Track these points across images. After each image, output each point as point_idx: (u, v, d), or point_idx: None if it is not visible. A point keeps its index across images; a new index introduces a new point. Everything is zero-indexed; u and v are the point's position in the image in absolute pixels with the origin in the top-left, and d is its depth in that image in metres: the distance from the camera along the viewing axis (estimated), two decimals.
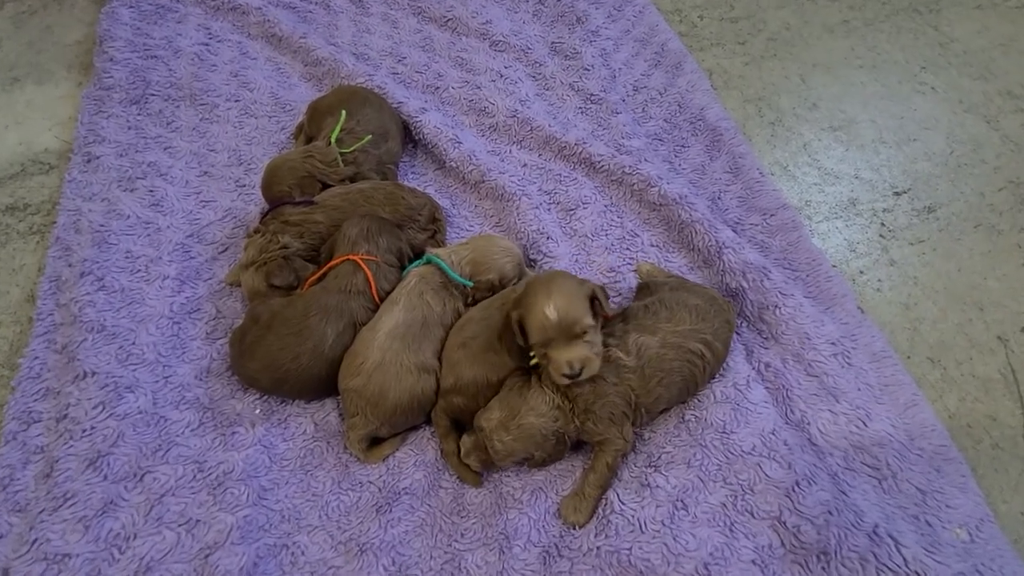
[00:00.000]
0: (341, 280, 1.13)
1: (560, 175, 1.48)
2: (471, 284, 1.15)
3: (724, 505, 0.98)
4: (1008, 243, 1.40)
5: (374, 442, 1.10)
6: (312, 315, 1.10)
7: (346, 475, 1.08)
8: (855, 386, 1.13)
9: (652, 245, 1.36)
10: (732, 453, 1.02)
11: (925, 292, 1.34)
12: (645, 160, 1.47)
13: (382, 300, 1.14)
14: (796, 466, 1.00)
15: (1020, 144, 1.60)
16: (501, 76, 1.71)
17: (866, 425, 1.09)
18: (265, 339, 1.10)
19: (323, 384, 1.11)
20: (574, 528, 0.99)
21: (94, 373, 1.13)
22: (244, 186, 1.50)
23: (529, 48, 1.79)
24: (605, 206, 1.43)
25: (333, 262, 1.16)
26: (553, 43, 1.83)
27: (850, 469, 1.05)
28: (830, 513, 0.95)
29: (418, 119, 1.54)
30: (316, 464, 1.09)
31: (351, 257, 1.15)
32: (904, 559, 0.91)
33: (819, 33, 1.92)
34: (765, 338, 1.21)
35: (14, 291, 1.39)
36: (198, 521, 1.00)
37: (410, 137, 1.57)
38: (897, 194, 1.54)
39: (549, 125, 1.55)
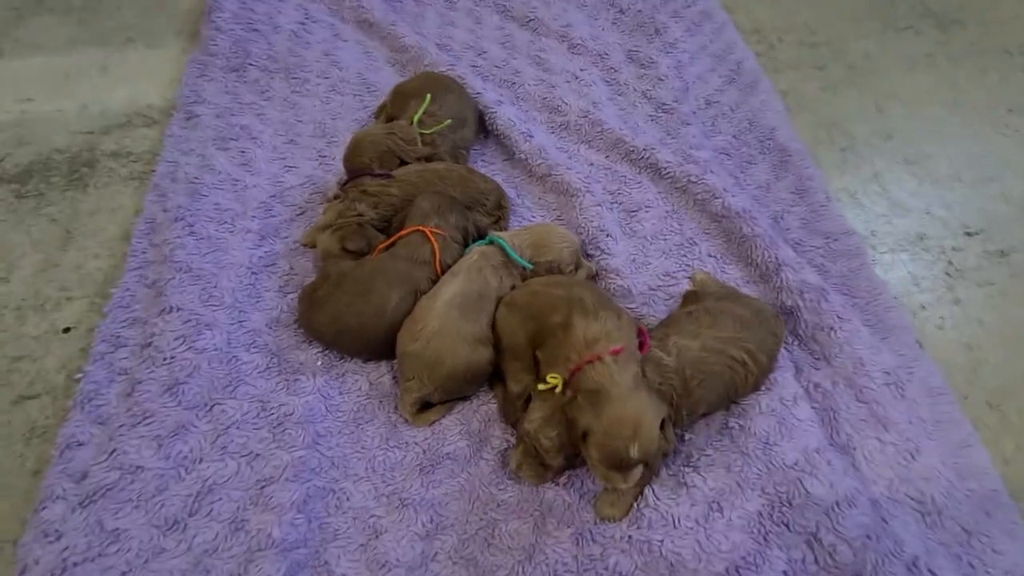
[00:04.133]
0: (409, 249, 1.20)
1: (625, 177, 1.51)
2: (531, 266, 1.19)
3: (760, 514, 0.99)
4: None
5: (424, 407, 1.15)
6: (379, 278, 1.17)
7: (394, 433, 1.14)
8: (907, 418, 1.12)
9: (710, 255, 1.38)
10: (773, 464, 1.03)
11: (989, 335, 1.31)
12: (711, 172, 1.49)
13: (443, 272, 1.20)
14: (838, 487, 1.00)
15: None
16: (576, 78, 1.76)
17: (914, 458, 1.08)
18: (333, 295, 1.18)
19: (381, 345, 1.18)
20: (609, 522, 1.01)
21: (179, 309, 1.23)
22: (325, 157, 1.60)
23: (606, 54, 1.83)
24: (667, 212, 1.45)
25: (404, 231, 1.23)
26: (630, 51, 1.87)
27: (893, 499, 1.04)
28: (868, 538, 0.95)
29: (494, 110, 1.61)
30: (367, 420, 1.16)
31: (421, 228, 1.22)
32: None
33: (900, 65, 1.90)
34: (817, 359, 1.21)
35: (111, 228, 1.52)
36: (257, 455, 1.08)
37: (483, 127, 1.64)
38: (969, 234, 1.50)
39: (619, 128, 1.59)
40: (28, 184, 1.63)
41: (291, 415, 1.12)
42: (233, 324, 1.25)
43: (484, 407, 1.17)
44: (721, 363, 1.05)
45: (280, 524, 0.99)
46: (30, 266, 1.46)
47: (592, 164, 1.55)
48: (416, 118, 1.43)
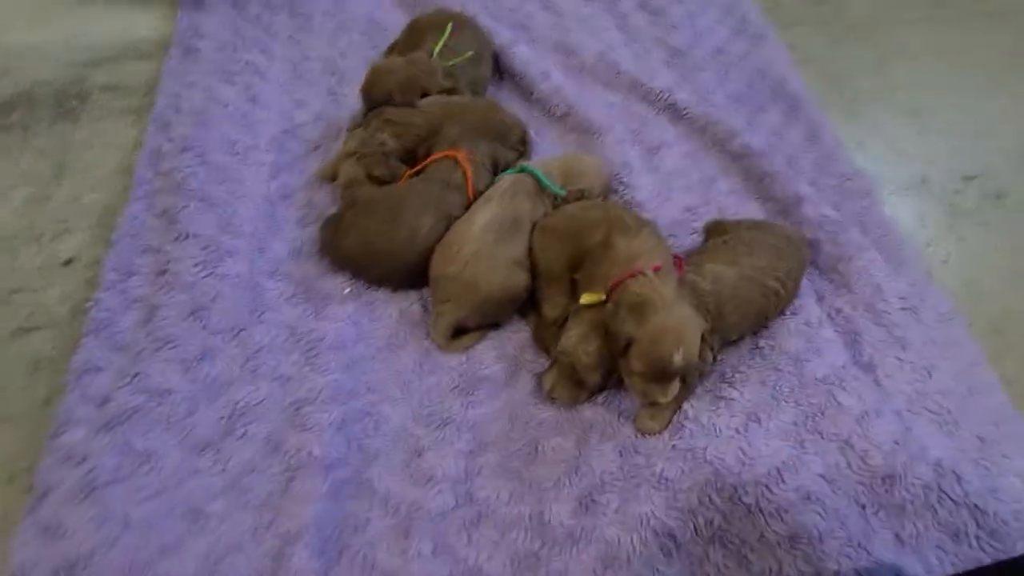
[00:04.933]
0: (442, 173, 1.18)
1: (644, 117, 1.52)
2: (564, 192, 1.19)
3: (795, 423, 1.02)
4: None
5: (456, 335, 1.14)
6: (411, 202, 1.15)
7: (428, 359, 1.12)
8: (921, 340, 1.17)
9: (730, 192, 1.40)
10: (805, 378, 1.06)
11: (991, 269, 1.38)
12: (728, 114, 1.50)
13: (476, 199, 1.18)
14: (866, 398, 1.04)
15: None
16: (588, 23, 1.75)
17: (931, 376, 1.13)
18: (361, 220, 1.15)
19: (412, 272, 1.15)
20: (650, 435, 1.02)
21: (196, 235, 1.18)
22: (336, 95, 1.55)
23: (617, 1, 1.82)
24: (686, 151, 1.46)
25: (434, 156, 1.20)
26: (641, 1, 1.86)
27: (913, 412, 1.09)
28: (896, 443, 0.99)
29: (510, 50, 1.58)
30: (399, 345, 1.14)
31: (453, 153, 1.19)
32: (965, 492, 0.95)
33: (904, 23, 1.96)
34: (837, 287, 1.25)
35: (109, 162, 1.44)
36: (290, 378, 1.05)
37: (498, 68, 1.61)
38: (967, 179, 1.57)
39: (635, 71, 1.59)
40: (11, 116, 1.53)
41: (322, 340, 1.09)
42: (254, 252, 1.21)
43: (518, 335, 1.16)
44: (756, 292, 1.08)
45: (320, 443, 0.97)
46: (20, 198, 1.37)
47: (611, 105, 1.55)
48: (437, 49, 1.40)
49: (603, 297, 1.02)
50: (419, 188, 1.17)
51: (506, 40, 1.61)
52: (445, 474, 0.98)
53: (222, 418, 0.99)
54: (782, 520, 0.90)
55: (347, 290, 1.18)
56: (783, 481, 0.94)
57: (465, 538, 0.92)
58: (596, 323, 1.01)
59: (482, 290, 1.08)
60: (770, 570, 0.89)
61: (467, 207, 1.18)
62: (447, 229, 1.15)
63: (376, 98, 1.34)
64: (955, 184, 1.55)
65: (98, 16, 1.76)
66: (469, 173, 1.18)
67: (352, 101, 1.44)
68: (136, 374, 1.02)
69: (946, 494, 0.95)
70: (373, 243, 1.13)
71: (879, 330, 1.18)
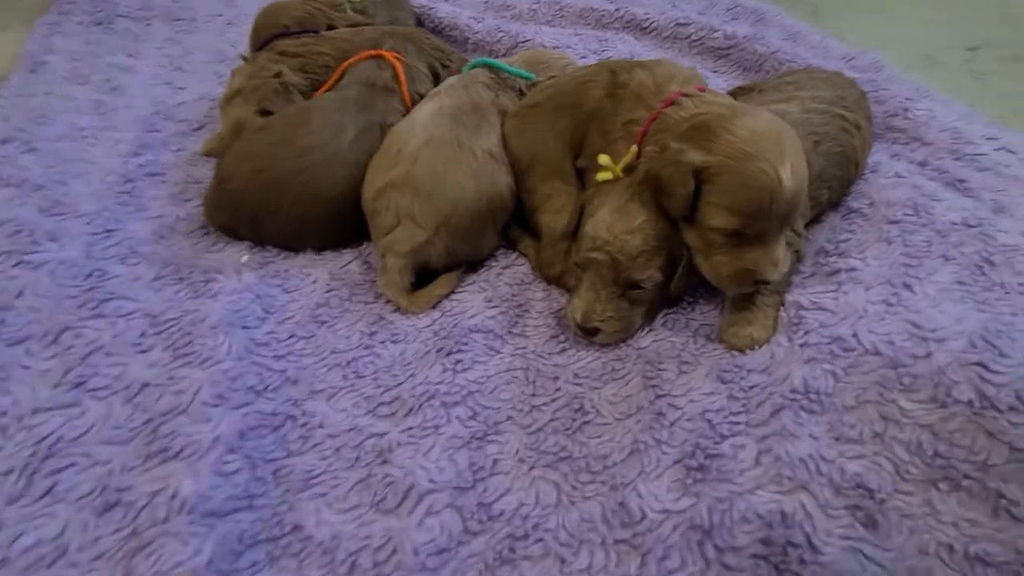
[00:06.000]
0: (361, 74, 0.85)
1: (604, 38, 1.27)
2: (533, 76, 0.88)
3: (960, 281, 0.66)
4: None
5: (419, 285, 0.75)
6: (324, 108, 0.80)
7: (382, 326, 0.71)
8: None
9: (732, 86, 1.14)
10: (939, 227, 0.72)
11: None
12: (696, 18, 1.29)
13: (413, 103, 0.85)
14: (1012, 230, 0.71)
15: None
16: None
17: None
18: (253, 145, 0.79)
19: (337, 212, 0.78)
20: (751, 349, 0.63)
21: (2, 223, 0.77)
22: (223, 78, 1.23)
23: None
24: (664, 58, 1.21)
25: (348, 61, 0.88)
26: None
27: None
28: None
29: (431, 8, 1.35)
30: (335, 316, 0.73)
31: (374, 53, 0.88)
32: None
33: None
34: (906, 143, 0.95)
35: None
36: (145, 384, 0.61)
37: (421, 25, 1.37)
38: (971, 49, 1.39)
39: (580, 3, 1.38)
40: None
41: (202, 322, 0.67)
42: (97, 234, 0.80)
43: (511, 269, 0.78)
44: (831, 124, 0.76)
45: (196, 476, 0.52)
46: None
47: (560, 33, 1.31)
48: None
49: (631, 156, 0.67)
50: (331, 95, 0.83)
51: (424, 1, 1.39)
52: (436, 482, 0.54)
53: (11, 471, 0.54)
54: None
55: (245, 258, 0.79)
56: (1001, 353, 0.55)
57: None
58: (634, 192, 0.66)
59: (448, 188, 0.71)
60: None
61: (406, 114, 0.84)
62: (380, 140, 0.80)
63: (267, 38, 1.04)
64: (963, 55, 1.37)
65: None
66: (401, 71, 0.86)
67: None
68: None
69: None
70: (276, 163, 0.76)
71: (984, 174, 0.87)
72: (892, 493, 0.52)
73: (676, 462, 0.54)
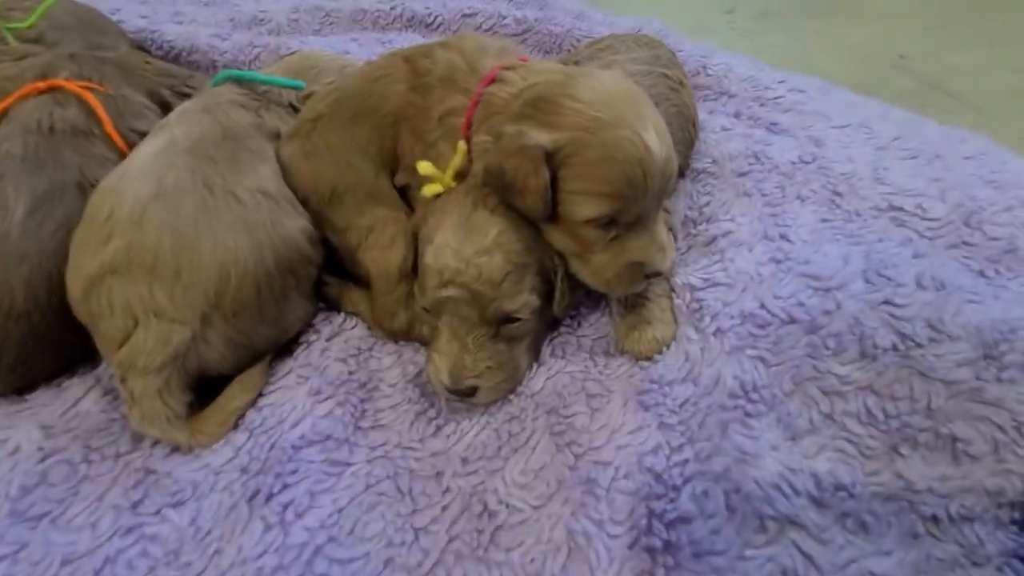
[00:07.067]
0: (27, 118, 0.56)
1: (386, 40, 1.10)
2: (303, 85, 0.67)
3: (823, 219, 0.62)
4: None
5: (200, 403, 0.50)
6: None
7: (152, 485, 0.45)
8: (837, 108, 0.92)
9: None
10: (784, 170, 0.69)
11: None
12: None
13: (131, 146, 0.58)
14: (860, 157, 0.71)
15: None
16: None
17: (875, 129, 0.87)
18: None
19: (32, 329, 0.49)
20: (659, 353, 0.51)
21: None
22: None
23: None
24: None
25: (2, 104, 0.58)
26: None
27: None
28: (936, 181, 0.67)
29: (153, 31, 1.05)
30: (62, 497, 0.45)
31: (44, 85, 0.59)
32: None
33: None
34: (715, 99, 0.95)
35: None
36: None
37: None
38: (728, 12, 1.54)
39: (341, 10, 1.19)
40: None
41: None
42: None
43: (337, 339, 0.57)
44: (660, 84, 0.70)
45: None
46: None
47: (334, 45, 1.11)
48: None
49: (457, 163, 0.51)
50: None
51: (144, 25, 1.08)
52: None
53: None
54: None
55: None
56: (897, 283, 0.51)
57: None
58: (476, 200, 0.50)
59: (207, 262, 0.47)
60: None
61: (118, 160, 0.57)
62: (81, 204, 0.52)
63: None
64: (724, 18, 1.50)
65: None
66: (95, 102, 0.58)
67: None
68: None
69: None
70: None
71: (789, 114, 0.89)
72: (864, 480, 0.43)
73: (632, 546, 0.39)
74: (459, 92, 0.54)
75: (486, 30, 1.14)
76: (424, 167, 0.51)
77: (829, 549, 0.39)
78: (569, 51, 1.07)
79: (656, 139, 0.47)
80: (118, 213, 0.47)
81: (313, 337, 0.57)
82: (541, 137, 0.46)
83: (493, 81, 0.53)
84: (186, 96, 0.76)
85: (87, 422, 0.50)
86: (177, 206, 0.48)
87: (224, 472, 0.46)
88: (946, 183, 0.63)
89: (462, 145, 0.52)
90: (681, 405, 0.46)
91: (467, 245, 0.47)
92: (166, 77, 0.76)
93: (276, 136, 0.61)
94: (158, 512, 0.44)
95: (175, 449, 0.48)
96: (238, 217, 0.50)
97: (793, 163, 0.70)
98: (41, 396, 0.52)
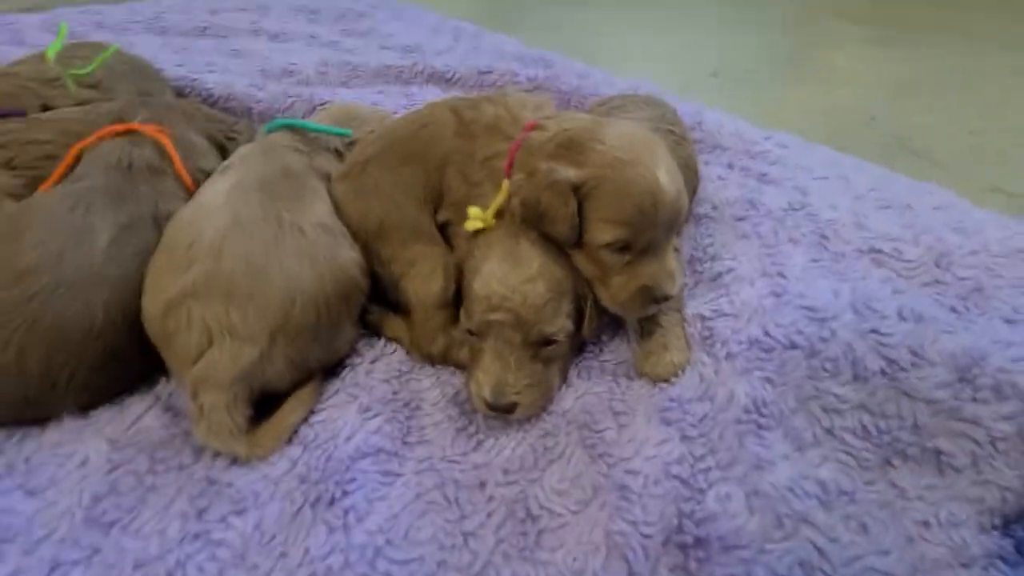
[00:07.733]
0: (108, 156, 0.62)
1: (409, 93, 1.20)
2: (350, 133, 0.75)
3: (814, 259, 0.70)
4: None
5: (259, 417, 0.54)
6: (48, 206, 0.56)
7: (216, 494, 0.49)
8: (818, 162, 1.03)
9: None
10: (776, 216, 0.78)
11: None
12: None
13: (196, 184, 0.65)
14: (841, 202, 0.80)
15: None
16: (285, 49, 1.43)
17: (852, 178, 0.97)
18: None
19: (107, 348, 0.53)
20: (675, 376, 0.57)
21: None
22: None
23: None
24: None
25: (82, 143, 0.64)
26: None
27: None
28: (907, 227, 0.76)
29: (194, 78, 1.14)
30: (132, 506, 0.48)
31: (123, 127, 0.65)
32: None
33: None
34: (711, 151, 1.04)
35: None
36: None
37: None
38: (713, 75, 1.68)
39: (372, 63, 1.30)
40: None
41: None
42: None
43: (380, 362, 0.62)
44: (666, 139, 0.77)
45: None
46: None
47: (362, 96, 1.20)
48: (52, 51, 0.86)
49: (500, 200, 0.59)
50: (60, 190, 0.59)
51: (183, 73, 1.16)
52: None
53: None
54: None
55: None
56: (881, 315, 0.59)
57: None
58: (519, 234, 0.57)
59: (277, 289, 0.53)
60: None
61: (187, 197, 0.63)
62: (156, 237, 0.58)
63: None
64: (709, 80, 1.65)
65: None
66: (169, 144, 0.65)
67: None
68: None
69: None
70: None
71: (776, 167, 0.99)
72: (863, 488, 0.49)
73: (665, 543, 0.44)
74: (502, 139, 0.61)
75: (501, 87, 1.25)
76: (473, 211, 0.58)
77: (837, 546, 0.44)
78: (576, 108, 1.18)
79: (667, 177, 0.55)
80: (199, 243, 0.53)
81: (358, 360, 0.62)
82: (569, 172, 0.54)
83: (534, 128, 0.61)
84: (232, 140, 0.83)
85: (150, 436, 0.54)
86: (251, 237, 0.54)
87: (283, 481, 0.50)
88: (917, 229, 0.72)
89: (507, 183, 0.59)
90: (700, 420, 0.52)
91: (513, 274, 0.54)
92: (215, 123, 0.83)
93: (326, 177, 0.68)
94: (223, 519, 0.47)
95: (234, 461, 0.52)
96: (303, 248, 0.56)
97: (784, 209, 0.79)
98: (105, 413, 0.55)
